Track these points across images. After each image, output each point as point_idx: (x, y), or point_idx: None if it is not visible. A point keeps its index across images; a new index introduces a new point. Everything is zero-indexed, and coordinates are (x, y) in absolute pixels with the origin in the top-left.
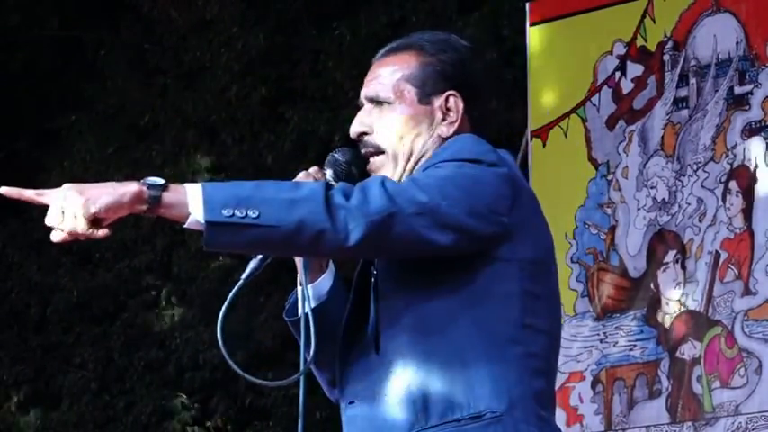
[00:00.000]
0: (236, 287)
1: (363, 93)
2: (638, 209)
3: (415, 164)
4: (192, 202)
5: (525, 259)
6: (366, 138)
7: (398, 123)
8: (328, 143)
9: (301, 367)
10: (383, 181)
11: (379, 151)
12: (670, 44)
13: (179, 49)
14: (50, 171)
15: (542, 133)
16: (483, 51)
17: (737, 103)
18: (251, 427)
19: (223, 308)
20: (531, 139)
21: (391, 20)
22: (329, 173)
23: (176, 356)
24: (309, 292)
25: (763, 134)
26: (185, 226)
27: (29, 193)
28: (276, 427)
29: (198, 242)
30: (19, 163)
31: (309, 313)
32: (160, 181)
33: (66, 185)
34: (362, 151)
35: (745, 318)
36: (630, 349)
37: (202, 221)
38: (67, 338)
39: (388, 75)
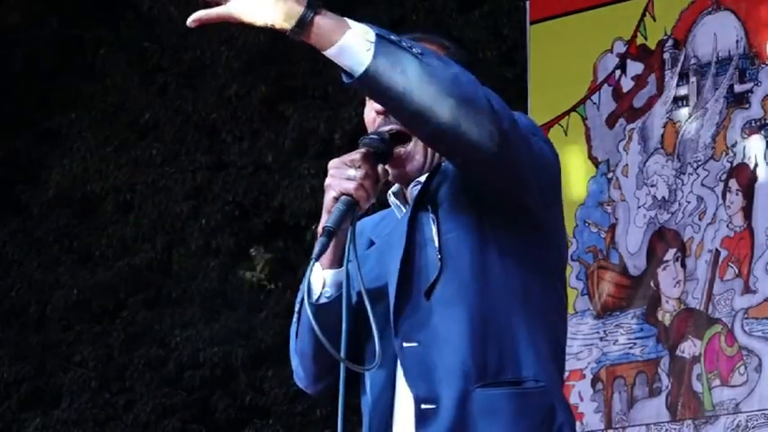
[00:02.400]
0: (308, 270)
1: None
2: (639, 207)
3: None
4: (354, 24)
5: (559, 236)
6: (392, 125)
7: None
8: (328, 141)
9: (343, 344)
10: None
11: (408, 138)
12: (670, 42)
13: (179, 47)
14: (50, 169)
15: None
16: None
17: (737, 101)
18: (251, 426)
19: (301, 296)
20: None
21: (391, 18)
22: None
23: (176, 355)
24: (332, 278)
25: (763, 132)
26: (327, 52)
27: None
28: (276, 425)
29: (198, 240)
30: (19, 161)
31: (363, 291)
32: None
33: None
34: (388, 128)
35: (745, 316)
36: (630, 347)
37: (371, 35)
38: (67, 337)
39: None
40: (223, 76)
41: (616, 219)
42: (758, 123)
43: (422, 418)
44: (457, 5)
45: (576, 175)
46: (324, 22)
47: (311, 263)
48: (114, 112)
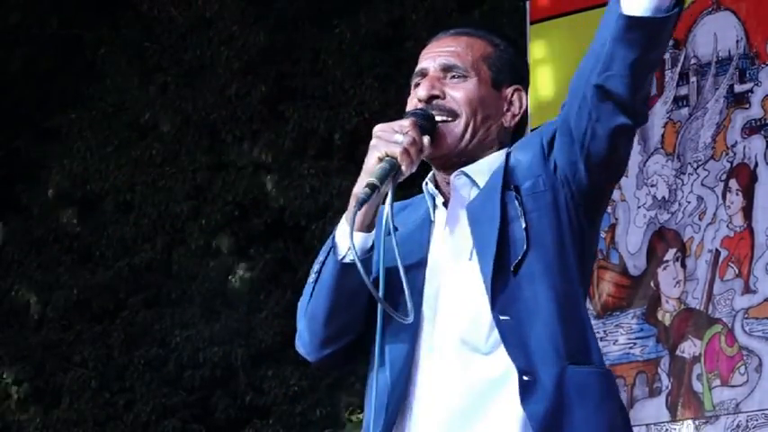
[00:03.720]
0: (351, 216)
1: (437, 61)
2: (638, 207)
3: (484, 144)
4: None
5: (600, 223)
6: (438, 101)
7: (475, 97)
8: (328, 141)
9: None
10: None
11: (453, 115)
12: (670, 42)
13: (179, 47)
14: (50, 169)
15: None
16: None
17: (738, 101)
18: (251, 426)
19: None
20: None
21: (391, 18)
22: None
23: (176, 355)
24: (360, 241)
25: (763, 132)
26: None
27: None
28: (276, 425)
29: (198, 240)
30: (19, 161)
31: (399, 262)
32: None
33: None
34: (431, 113)
35: (746, 316)
36: (630, 347)
37: None
38: (68, 336)
39: (467, 50)
40: (223, 76)
41: (616, 219)
42: (758, 123)
43: (524, 389)
44: (457, 5)
45: None
46: None
47: (353, 211)
48: (114, 112)
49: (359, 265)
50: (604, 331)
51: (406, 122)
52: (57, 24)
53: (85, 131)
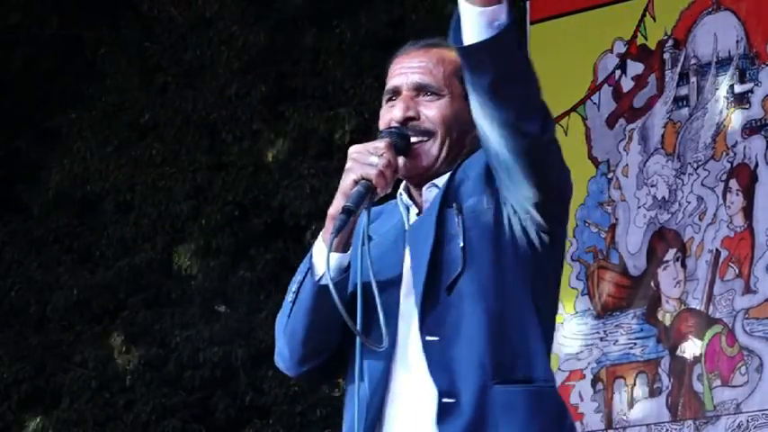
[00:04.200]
0: (329, 242)
1: (410, 79)
2: (639, 207)
3: (458, 158)
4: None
5: (559, 241)
6: (413, 123)
7: (449, 115)
8: (328, 141)
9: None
10: None
11: (428, 135)
12: (670, 42)
13: (179, 47)
14: (50, 169)
15: None
16: None
17: (738, 101)
18: (251, 426)
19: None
20: None
21: (391, 18)
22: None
23: (176, 355)
24: (336, 261)
25: (763, 132)
26: (484, 9)
27: None
28: (276, 425)
29: (198, 240)
30: (19, 161)
31: (372, 279)
32: None
33: None
34: (407, 133)
35: (746, 316)
36: (631, 347)
37: (508, 16)
38: (67, 337)
39: (438, 65)
40: (223, 76)
41: (616, 219)
42: (758, 123)
43: (443, 411)
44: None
45: (576, 175)
46: None
47: (331, 237)
48: (114, 112)
49: (335, 298)
50: (604, 331)
51: (381, 144)
52: (57, 24)
53: (85, 131)
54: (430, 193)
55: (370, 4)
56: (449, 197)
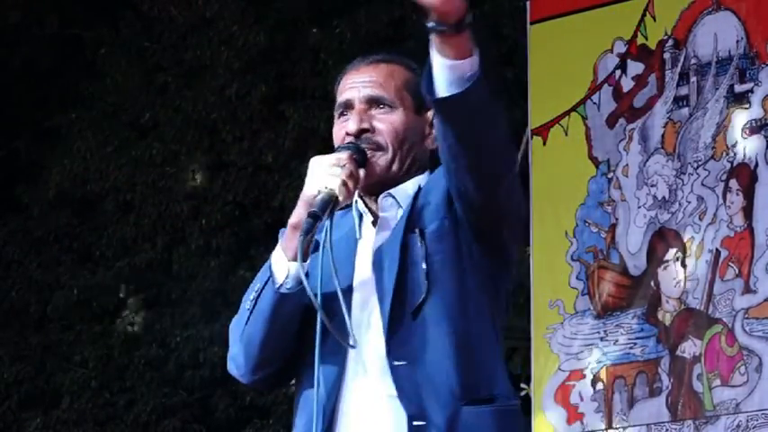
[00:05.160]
0: (299, 242)
1: (362, 93)
2: (639, 207)
3: (410, 170)
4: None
5: (513, 262)
6: (367, 135)
7: (401, 127)
8: (328, 141)
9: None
10: None
11: (381, 147)
12: (670, 42)
13: (179, 47)
14: (51, 169)
15: (543, 131)
16: None
17: (738, 101)
18: (251, 426)
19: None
20: (532, 138)
21: (391, 18)
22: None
23: (176, 354)
24: (295, 270)
25: (763, 132)
26: (453, 63)
27: None
28: (276, 425)
29: (198, 240)
30: (19, 161)
31: (339, 291)
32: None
33: None
34: (362, 146)
35: (746, 316)
36: (631, 347)
37: (477, 68)
38: (68, 336)
39: (389, 79)
40: (223, 76)
41: (616, 219)
42: (758, 123)
43: None
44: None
45: (577, 175)
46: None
47: (300, 240)
48: (114, 112)
49: (314, 300)
50: (605, 331)
51: (343, 155)
52: (57, 24)
53: (85, 131)
54: (386, 202)
55: (370, 3)
56: (412, 222)
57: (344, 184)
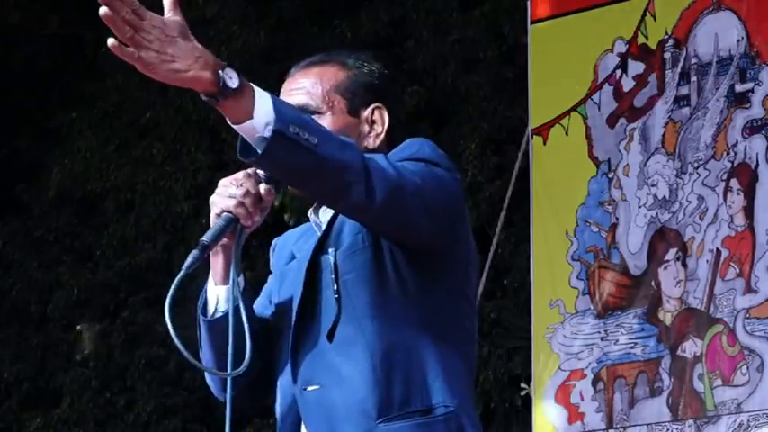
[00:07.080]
0: (177, 279)
1: (290, 102)
2: (639, 207)
3: None
4: (261, 107)
5: (467, 260)
6: None
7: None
8: None
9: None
10: (386, 156)
11: None
12: (671, 42)
13: None
14: (51, 169)
15: (543, 131)
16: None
17: (738, 101)
18: (251, 425)
19: (168, 298)
20: (532, 137)
21: (392, 18)
22: (261, 173)
23: (177, 354)
24: (225, 294)
25: (763, 132)
26: (238, 127)
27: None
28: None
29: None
30: (19, 161)
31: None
32: (236, 77)
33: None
34: None
35: (747, 316)
36: (631, 347)
37: (269, 129)
38: (68, 336)
39: (316, 84)
40: None
41: (617, 218)
42: (759, 123)
43: None
44: (457, 5)
45: (577, 175)
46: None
47: (181, 274)
48: (115, 112)
49: (206, 342)
50: (605, 331)
51: (240, 175)
52: (57, 24)
53: (86, 131)
54: (324, 215)
55: (371, 3)
56: (326, 243)
57: (241, 204)
